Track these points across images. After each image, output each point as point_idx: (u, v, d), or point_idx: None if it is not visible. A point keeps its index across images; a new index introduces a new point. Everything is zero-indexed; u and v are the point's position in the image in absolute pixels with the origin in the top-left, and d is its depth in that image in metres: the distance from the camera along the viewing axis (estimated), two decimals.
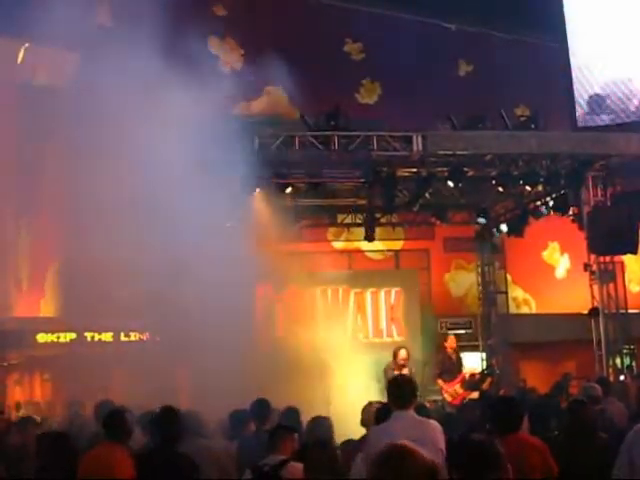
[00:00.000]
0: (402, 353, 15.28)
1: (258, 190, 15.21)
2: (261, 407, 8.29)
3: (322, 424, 7.84)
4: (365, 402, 8.52)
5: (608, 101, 22.19)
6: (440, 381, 15.93)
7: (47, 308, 18.15)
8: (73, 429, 8.68)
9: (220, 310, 12.29)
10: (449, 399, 15.33)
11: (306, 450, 6.03)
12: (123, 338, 16.45)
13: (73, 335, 16.72)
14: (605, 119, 22.18)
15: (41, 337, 16.96)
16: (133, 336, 16.38)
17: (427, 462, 3.50)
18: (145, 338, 15.94)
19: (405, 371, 14.53)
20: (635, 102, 22.11)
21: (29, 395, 17.14)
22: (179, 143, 12.95)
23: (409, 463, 3.50)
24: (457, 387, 15.68)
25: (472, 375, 16.29)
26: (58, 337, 16.82)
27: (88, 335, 16.64)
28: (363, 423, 8.09)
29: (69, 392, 11.21)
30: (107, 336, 16.59)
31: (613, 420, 7.87)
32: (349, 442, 7.46)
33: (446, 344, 16.31)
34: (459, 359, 16.36)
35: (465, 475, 3.94)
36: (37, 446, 7.02)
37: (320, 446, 5.99)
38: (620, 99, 22.16)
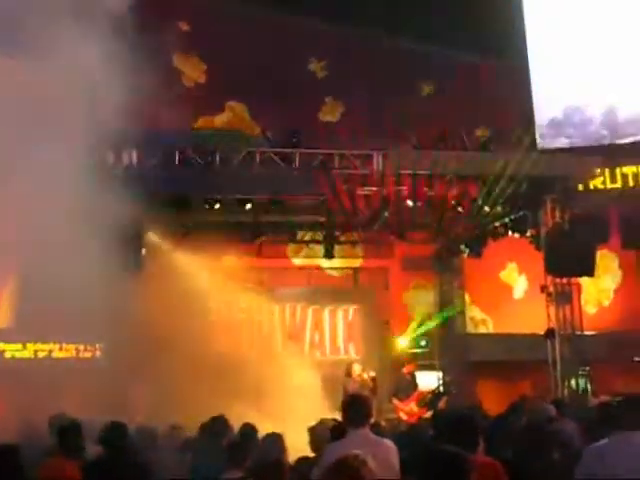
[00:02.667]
0: (356, 368, 15.34)
1: (218, 206, 15.19)
2: (218, 423, 8.24)
3: (274, 441, 7.81)
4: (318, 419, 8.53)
5: (567, 125, 22.44)
6: (395, 400, 15.99)
7: (2, 318, 17.93)
8: (26, 442, 8.56)
9: (175, 325, 12.23)
10: (405, 417, 15.37)
11: (257, 469, 6.01)
12: (81, 354, 16.30)
13: (26, 347, 16.53)
14: (564, 142, 22.42)
15: None
16: (88, 350, 16.23)
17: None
18: (99, 353, 15.82)
19: (368, 386, 14.60)
20: (592, 127, 22.38)
21: None
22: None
23: (364, 472, 3.52)
24: (413, 405, 15.74)
25: (428, 394, 16.38)
26: (10, 349, 16.63)
27: (41, 348, 16.46)
28: (313, 443, 8.05)
29: (22, 405, 11.05)
30: (64, 350, 16.42)
31: (568, 440, 7.91)
32: (304, 459, 7.43)
33: (404, 369, 16.43)
34: (414, 379, 16.45)
35: None
36: None
37: (272, 465, 5.96)
38: (578, 123, 22.42)
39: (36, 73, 11.62)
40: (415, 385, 16.47)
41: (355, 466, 3.75)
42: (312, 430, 8.27)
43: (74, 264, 11.40)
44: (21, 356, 16.56)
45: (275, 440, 7.74)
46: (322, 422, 8.35)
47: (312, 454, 7.67)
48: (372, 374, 15.77)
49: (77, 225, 11.37)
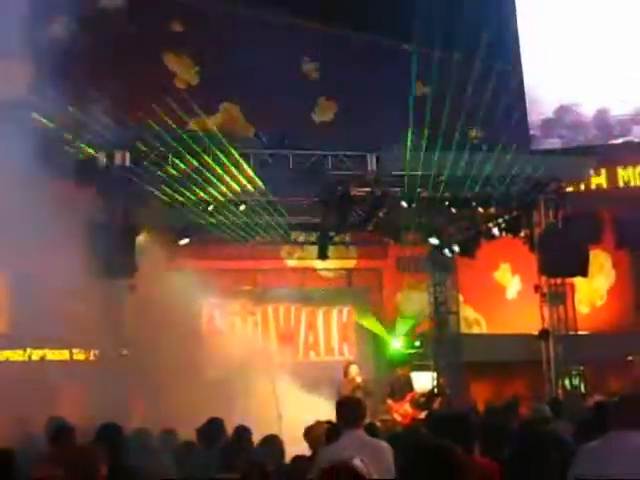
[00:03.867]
0: (353, 370, 15.34)
1: (211, 207, 15.17)
2: (213, 426, 8.24)
3: (273, 443, 7.82)
4: (314, 420, 8.55)
5: (559, 125, 22.50)
6: (390, 401, 15.97)
7: None
8: (22, 447, 8.54)
9: (168, 328, 12.22)
10: (399, 419, 15.36)
11: (249, 472, 5.99)
12: (75, 356, 16.27)
13: (21, 352, 16.50)
14: (556, 142, 22.49)
15: None
16: (82, 352, 16.20)
17: None
18: (92, 355, 15.78)
19: (361, 389, 14.58)
20: (584, 127, 22.46)
21: None
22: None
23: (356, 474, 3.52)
24: (407, 406, 15.72)
25: (422, 395, 16.37)
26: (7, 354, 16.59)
27: (37, 352, 16.43)
28: (309, 444, 8.08)
29: (16, 408, 11.03)
30: (57, 354, 16.39)
31: (564, 440, 7.92)
32: (299, 458, 7.42)
33: (399, 369, 16.46)
34: (409, 380, 16.44)
35: None
36: None
37: (256, 470, 5.94)
38: (570, 123, 22.49)
39: None
40: (410, 386, 16.45)
41: (345, 469, 3.73)
42: (308, 431, 8.29)
43: (64, 268, 11.39)
44: (15, 358, 16.52)
45: (273, 442, 7.75)
46: (317, 424, 8.36)
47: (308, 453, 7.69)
48: (365, 376, 15.77)
49: (68, 227, 11.35)
